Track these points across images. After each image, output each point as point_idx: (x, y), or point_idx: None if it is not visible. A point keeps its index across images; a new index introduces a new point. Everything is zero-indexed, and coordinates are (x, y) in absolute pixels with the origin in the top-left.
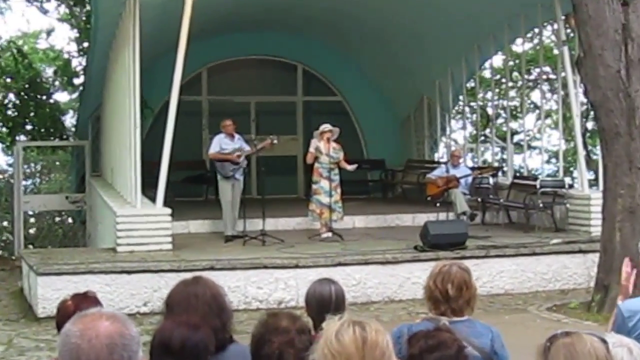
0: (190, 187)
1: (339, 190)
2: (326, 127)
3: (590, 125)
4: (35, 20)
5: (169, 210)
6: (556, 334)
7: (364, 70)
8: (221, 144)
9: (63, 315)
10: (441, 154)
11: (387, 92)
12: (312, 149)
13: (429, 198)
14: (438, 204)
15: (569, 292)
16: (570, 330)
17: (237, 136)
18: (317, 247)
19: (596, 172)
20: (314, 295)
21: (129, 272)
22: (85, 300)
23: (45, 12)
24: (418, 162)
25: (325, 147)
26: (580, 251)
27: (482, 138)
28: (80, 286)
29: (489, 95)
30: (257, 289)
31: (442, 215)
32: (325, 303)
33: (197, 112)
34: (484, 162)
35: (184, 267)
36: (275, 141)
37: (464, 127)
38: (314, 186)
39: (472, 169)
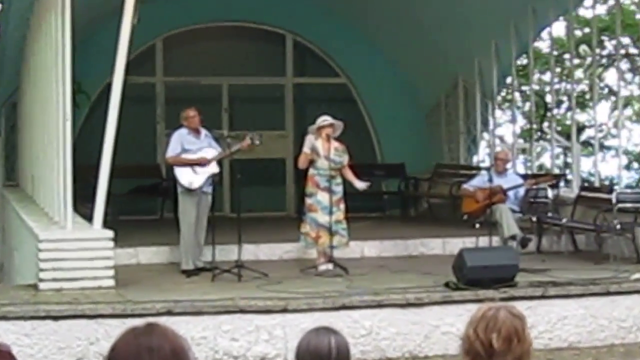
0: (140, 201)
1: (342, 206)
2: (326, 120)
3: None
4: None
5: (111, 233)
6: None
7: (376, 42)
8: (183, 144)
9: None
10: (482, 156)
11: (409, 73)
12: (306, 149)
13: (465, 217)
14: (478, 225)
15: None
16: None
17: (204, 132)
18: (313, 283)
19: None
20: (307, 350)
21: (55, 318)
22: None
23: None
24: (451, 167)
25: (324, 147)
26: None
27: (539, 135)
28: None
29: (548, 76)
30: (231, 340)
31: (484, 241)
32: None
33: (149, 99)
34: (541, 167)
35: (132, 312)
36: (257, 141)
37: (513, 120)
38: (309, 200)
39: (525, 177)
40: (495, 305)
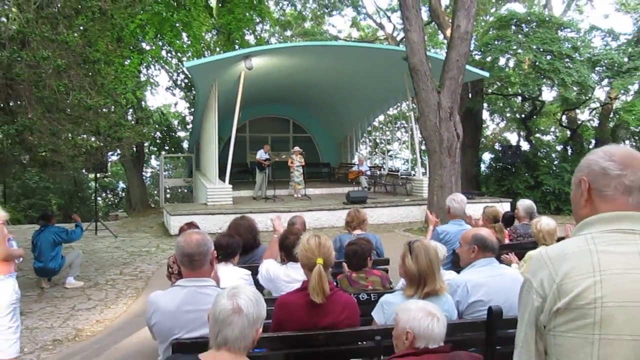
0: (241, 174)
1: (302, 177)
2: (297, 148)
3: (423, 147)
4: (170, 98)
5: (230, 186)
6: (411, 240)
7: (321, 120)
8: (262, 155)
9: (182, 231)
10: (356, 159)
11: (331, 130)
12: (290, 161)
13: (350, 180)
14: (354, 183)
15: (413, 223)
16: (416, 238)
17: (268, 152)
18: (297, 202)
19: (426, 169)
20: (288, 221)
21: (212, 214)
22: (192, 225)
23: (174, 94)
24: (345, 164)
25: (296, 157)
26: (419, 204)
27: (375, 152)
28: (190, 220)
29: (379, 133)
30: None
31: (356, 188)
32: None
33: (244, 141)
34: (375, 164)
35: (239, 210)
36: (278, 158)
37: (366, 147)
38: (292, 174)
39: (370, 167)
40: (354, 208)
